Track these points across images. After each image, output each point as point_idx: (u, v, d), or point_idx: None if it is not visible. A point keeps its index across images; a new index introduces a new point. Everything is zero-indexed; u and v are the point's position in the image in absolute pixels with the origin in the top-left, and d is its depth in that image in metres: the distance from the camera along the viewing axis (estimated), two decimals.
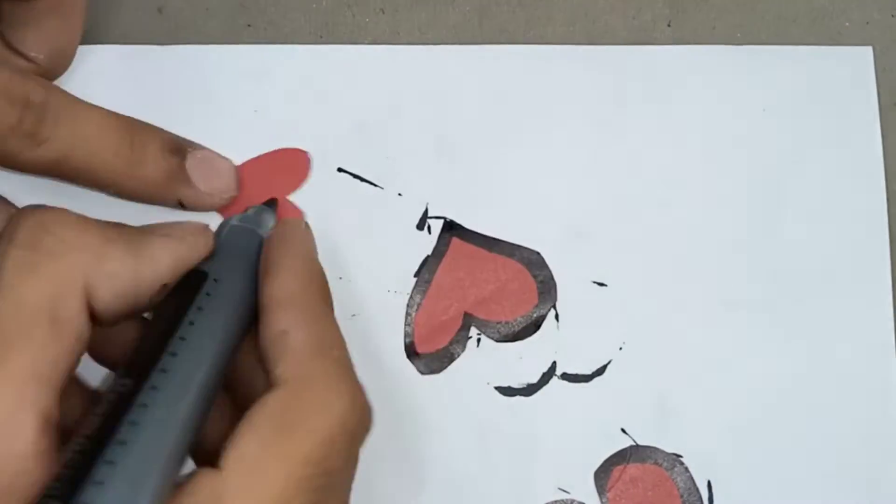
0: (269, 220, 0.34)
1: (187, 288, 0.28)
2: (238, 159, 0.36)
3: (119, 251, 0.27)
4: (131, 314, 0.28)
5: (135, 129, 0.33)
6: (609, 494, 0.35)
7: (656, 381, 0.36)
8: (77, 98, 0.33)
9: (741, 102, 0.38)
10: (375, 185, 0.37)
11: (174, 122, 0.36)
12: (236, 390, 0.29)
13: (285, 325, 0.28)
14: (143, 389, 0.25)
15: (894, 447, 0.35)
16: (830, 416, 0.36)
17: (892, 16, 0.39)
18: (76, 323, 0.26)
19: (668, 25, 0.39)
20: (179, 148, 0.35)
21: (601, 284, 0.36)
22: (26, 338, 0.25)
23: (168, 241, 0.28)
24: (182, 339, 0.26)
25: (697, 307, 0.36)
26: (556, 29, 0.38)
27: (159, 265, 0.28)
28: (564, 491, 0.35)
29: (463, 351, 0.36)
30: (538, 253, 0.36)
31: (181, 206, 0.35)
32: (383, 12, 0.38)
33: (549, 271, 0.36)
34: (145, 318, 0.28)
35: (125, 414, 0.24)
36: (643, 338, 0.36)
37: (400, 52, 0.38)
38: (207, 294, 0.28)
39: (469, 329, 0.36)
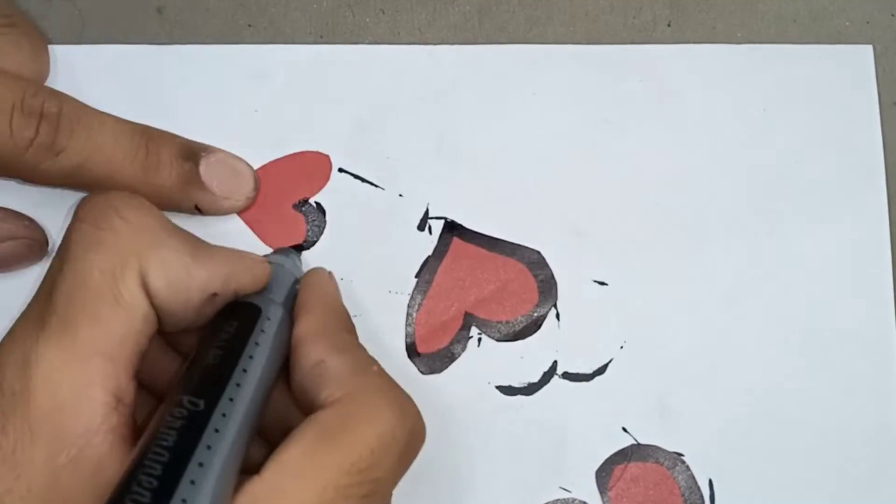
0: (298, 262, 0.35)
1: (246, 320, 0.29)
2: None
3: (177, 243, 0.28)
4: (182, 320, 0.29)
5: (148, 135, 0.34)
6: (610, 493, 0.35)
7: (657, 380, 0.36)
8: (89, 107, 0.33)
9: (741, 102, 0.38)
10: (376, 186, 0.37)
11: (175, 123, 0.36)
12: (268, 428, 0.30)
13: (320, 356, 0.29)
14: (214, 414, 0.26)
15: (894, 446, 0.35)
16: (831, 414, 0.36)
17: (893, 15, 0.39)
18: (138, 302, 0.27)
19: (668, 25, 0.39)
20: (193, 153, 0.35)
21: (602, 283, 0.36)
22: (92, 315, 0.26)
23: (226, 254, 0.30)
24: (244, 370, 0.27)
25: (698, 306, 0.36)
26: (556, 29, 0.38)
27: (213, 271, 0.29)
28: (566, 490, 0.35)
29: (464, 351, 0.36)
30: (539, 252, 0.37)
31: (198, 210, 0.35)
32: (383, 12, 0.38)
33: (550, 271, 0.36)
34: (200, 343, 0.29)
35: (201, 436, 0.25)
36: (644, 337, 0.36)
37: (400, 52, 0.38)
38: (262, 331, 0.29)
39: (470, 329, 0.36)
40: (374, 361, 0.30)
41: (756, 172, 0.37)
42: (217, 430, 0.25)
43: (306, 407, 0.28)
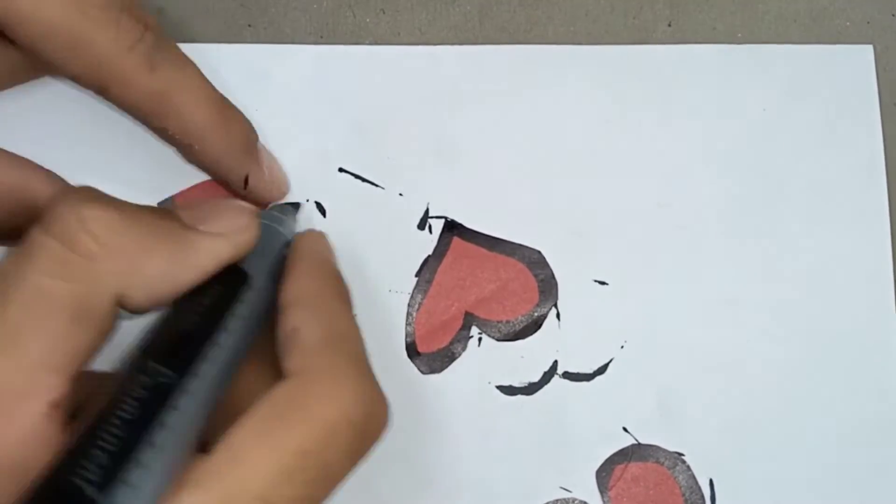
0: (292, 223, 0.34)
1: (230, 287, 0.28)
2: None
3: (159, 259, 0.27)
4: (164, 305, 0.28)
5: (221, 98, 0.34)
6: (611, 493, 0.35)
7: (658, 380, 0.36)
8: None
9: (741, 102, 0.38)
10: (376, 186, 0.37)
11: None
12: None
13: (296, 323, 0.28)
14: (177, 390, 0.25)
15: (894, 445, 0.35)
16: (831, 414, 0.36)
17: (893, 15, 0.39)
18: (102, 321, 0.26)
19: (669, 25, 0.39)
20: (253, 130, 0.35)
21: (602, 283, 0.36)
22: (41, 328, 0.25)
23: (215, 244, 0.28)
24: (217, 345, 0.26)
25: (698, 305, 0.36)
26: (556, 29, 0.38)
27: (201, 269, 0.27)
28: (566, 490, 0.35)
29: (464, 350, 0.36)
30: (539, 252, 0.36)
31: (245, 184, 0.34)
32: (384, 12, 0.38)
33: (550, 270, 0.36)
34: (175, 303, 0.28)
35: (160, 411, 0.24)
36: (644, 336, 0.36)
37: (400, 52, 0.38)
38: (242, 301, 0.28)
39: (470, 328, 0.36)
40: (350, 338, 0.28)
41: (756, 172, 0.37)
42: (176, 408, 0.24)
43: (280, 374, 0.27)
